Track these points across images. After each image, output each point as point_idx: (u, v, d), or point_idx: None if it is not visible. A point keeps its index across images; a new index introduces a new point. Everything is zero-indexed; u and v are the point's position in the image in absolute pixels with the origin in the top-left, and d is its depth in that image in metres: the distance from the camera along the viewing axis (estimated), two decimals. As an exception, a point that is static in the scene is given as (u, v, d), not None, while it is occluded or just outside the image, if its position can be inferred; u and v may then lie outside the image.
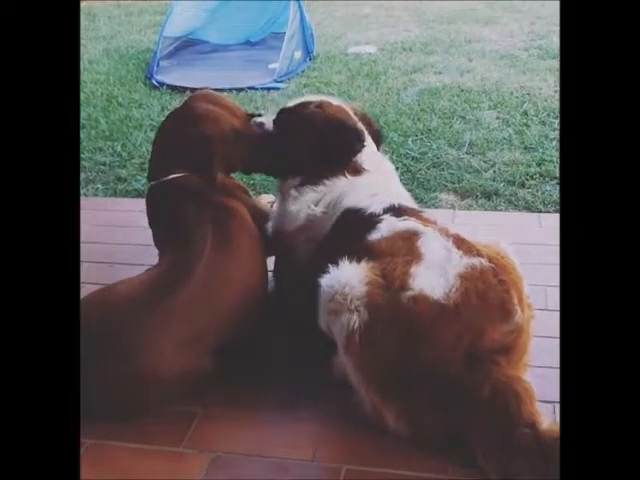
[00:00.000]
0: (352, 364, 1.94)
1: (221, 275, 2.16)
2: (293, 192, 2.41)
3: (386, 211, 2.20)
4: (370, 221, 2.18)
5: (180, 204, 2.33)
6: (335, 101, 2.54)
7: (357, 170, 2.39)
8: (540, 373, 2.00)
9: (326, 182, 2.36)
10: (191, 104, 2.48)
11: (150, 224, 2.48)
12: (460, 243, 2.04)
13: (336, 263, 1.99)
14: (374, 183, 2.36)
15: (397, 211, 2.21)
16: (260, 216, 2.52)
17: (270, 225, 2.49)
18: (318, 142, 2.37)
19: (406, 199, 2.40)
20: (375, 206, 2.23)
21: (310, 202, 2.35)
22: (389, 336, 1.89)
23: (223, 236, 2.23)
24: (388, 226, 2.14)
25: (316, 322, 2.05)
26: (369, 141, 2.48)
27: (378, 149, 2.56)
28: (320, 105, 2.46)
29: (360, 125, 2.47)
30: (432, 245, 2.03)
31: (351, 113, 2.50)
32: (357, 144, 2.41)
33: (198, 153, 2.35)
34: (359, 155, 2.41)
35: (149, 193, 2.52)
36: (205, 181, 2.36)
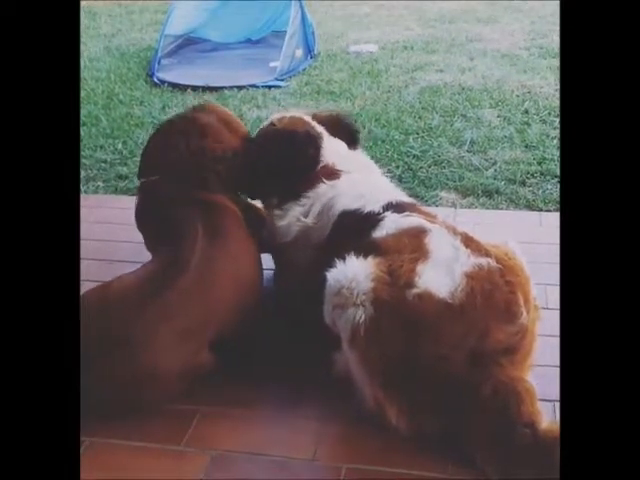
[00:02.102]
0: (356, 358, 1.94)
1: (215, 268, 2.16)
2: (277, 211, 2.42)
3: (386, 208, 2.20)
4: (371, 219, 2.17)
5: (169, 201, 2.33)
6: (291, 113, 2.55)
7: (333, 173, 2.38)
8: (540, 372, 1.99)
9: (306, 194, 2.36)
10: (197, 115, 2.47)
11: (139, 225, 2.49)
12: (468, 242, 2.04)
13: (342, 259, 1.99)
14: (358, 182, 2.35)
15: (397, 207, 2.21)
16: (255, 214, 2.52)
17: (265, 236, 2.48)
18: (275, 157, 2.38)
19: (397, 193, 2.40)
20: (372, 205, 2.22)
21: (299, 215, 2.35)
22: (394, 332, 1.89)
23: (214, 230, 2.23)
24: (392, 223, 2.13)
25: (317, 321, 2.04)
26: (334, 142, 2.47)
27: (355, 149, 2.55)
28: (272, 122, 2.48)
29: (316, 130, 2.46)
30: (440, 243, 2.03)
31: (309, 119, 2.49)
32: (309, 149, 2.39)
33: (196, 165, 2.36)
34: (327, 158, 2.40)
35: (138, 191, 2.54)
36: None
